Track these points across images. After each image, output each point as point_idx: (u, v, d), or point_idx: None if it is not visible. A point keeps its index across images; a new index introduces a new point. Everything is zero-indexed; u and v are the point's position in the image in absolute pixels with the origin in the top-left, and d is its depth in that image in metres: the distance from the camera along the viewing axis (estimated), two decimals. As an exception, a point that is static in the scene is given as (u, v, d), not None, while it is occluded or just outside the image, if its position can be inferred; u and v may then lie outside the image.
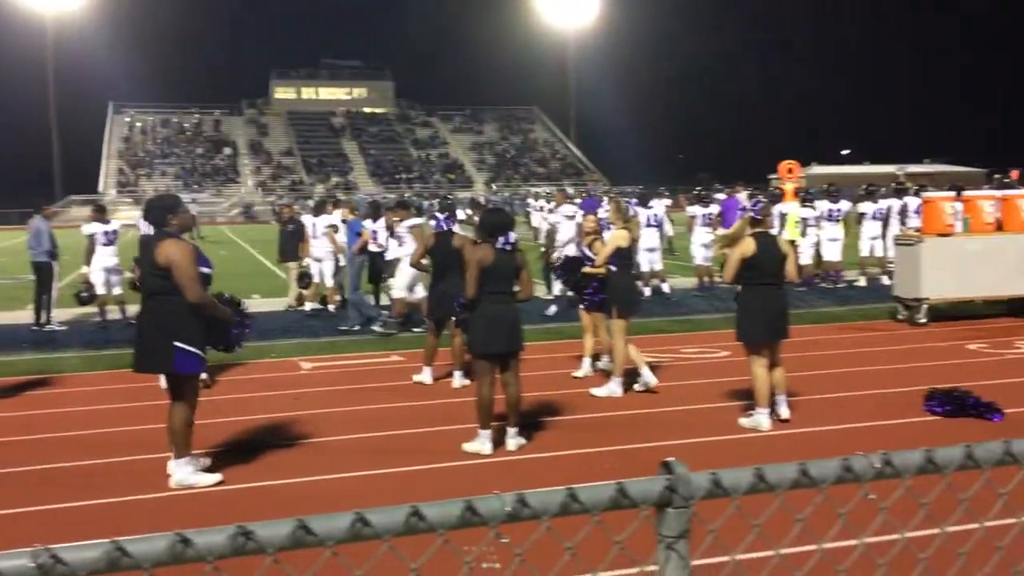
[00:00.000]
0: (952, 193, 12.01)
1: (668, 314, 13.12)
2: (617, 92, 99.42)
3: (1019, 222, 12.05)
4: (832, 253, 15.95)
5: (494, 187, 75.71)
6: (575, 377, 8.89)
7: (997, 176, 20.99)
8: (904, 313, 11.96)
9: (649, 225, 15.12)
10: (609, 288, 8.09)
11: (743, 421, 6.98)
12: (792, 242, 16.01)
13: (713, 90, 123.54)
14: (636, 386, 8.09)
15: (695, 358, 10.00)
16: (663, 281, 15.47)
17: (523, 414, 6.76)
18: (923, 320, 11.62)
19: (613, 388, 7.98)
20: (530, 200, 37.14)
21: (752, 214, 7.06)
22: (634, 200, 14.18)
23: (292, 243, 14.02)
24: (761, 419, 6.88)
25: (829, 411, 7.43)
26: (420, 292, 11.21)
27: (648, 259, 15.13)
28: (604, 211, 9.48)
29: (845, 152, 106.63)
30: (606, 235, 8.72)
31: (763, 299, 6.87)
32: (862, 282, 16.03)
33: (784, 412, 6.99)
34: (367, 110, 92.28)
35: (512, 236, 6.49)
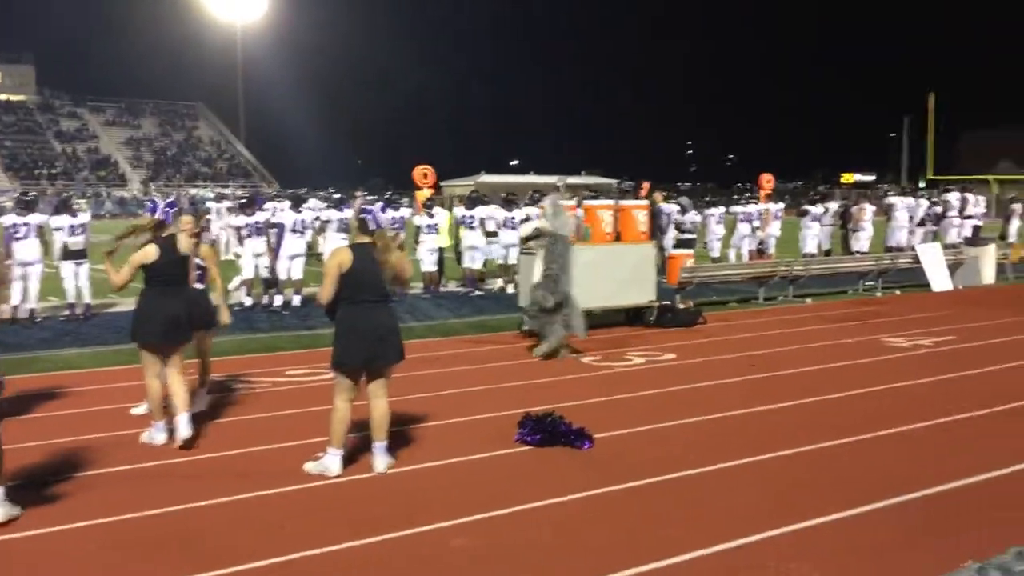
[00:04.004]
0: (572, 202, 11.88)
1: (282, 329, 11.87)
2: (291, 92, 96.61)
3: (635, 232, 12.20)
4: (473, 261, 15.73)
5: (152, 186, 69.90)
6: (133, 414, 7.33)
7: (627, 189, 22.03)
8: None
9: (295, 231, 13.85)
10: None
11: (309, 466, 5.87)
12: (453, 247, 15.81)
13: (391, 95, 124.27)
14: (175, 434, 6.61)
15: (299, 381, 8.80)
16: (297, 292, 14.15)
17: (26, 472, 5.18)
18: (547, 331, 11.33)
19: (153, 434, 6.53)
20: (211, 204, 33.03)
21: (363, 218, 5.96)
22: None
23: None
24: (331, 462, 5.81)
25: (421, 444, 6.55)
26: None
27: (287, 267, 13.86)
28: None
29: (514, 163, 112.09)
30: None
31: (363, 317, 5.81)
32: (510, 289, 15.83)
33: (380, 464, 5.94)
34: (2, 97, 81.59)
35: None
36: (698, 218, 16.54)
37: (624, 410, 7.59)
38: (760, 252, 20.12)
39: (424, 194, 16.22)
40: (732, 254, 19.87)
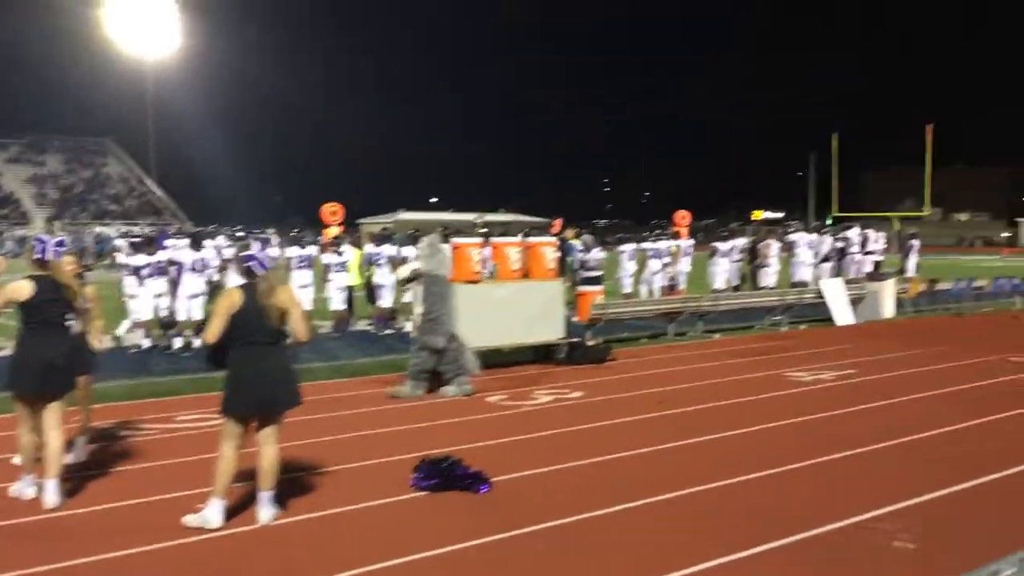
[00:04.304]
0: (479, 240, 11.79)
1: (179, 372, 11.39)
2: (205, 128, 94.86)
3: (543, 269, 12.15)
4: (383, 299, 15.47)
5: (56, 225, 67.57)
6: (16, 464, 6.86)
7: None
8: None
9: (194, 270, 13.38)
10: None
11: (188, 519, 5.54)
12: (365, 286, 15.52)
13: (310, 131, 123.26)
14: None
15: (190, 428, 8.41)
16: (197, 333, 13.64)
17: None
18: (454, 371, 11.15)
19: (22, 488, 6.11)
20: (118, 242, 30.79)
21: (247, 265, 5.71)
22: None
23: None
24: (212, 514, 5.50)
25: (312, 492, 6.27)
26: None
27: (187, 307, 13.35)
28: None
29: (433, 200, 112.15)
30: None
31: (254, 361, 5.55)
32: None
33: (265, 515, 5.62)
34: (-102, 134, 78.13)
35: None
36: (602, 255, 16.64)
37: (528, 450, 7.44)
38: (671, 288, 20.34)
39: (333, 231, 15.93)
40: (644, 290, 20.04)
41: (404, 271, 10.59)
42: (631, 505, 5.86)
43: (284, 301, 5.71)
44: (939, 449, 7.35)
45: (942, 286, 19.76)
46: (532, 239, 12.45)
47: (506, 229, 26.62)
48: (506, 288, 11.70)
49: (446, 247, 10.73)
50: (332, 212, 17.29)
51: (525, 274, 12.03)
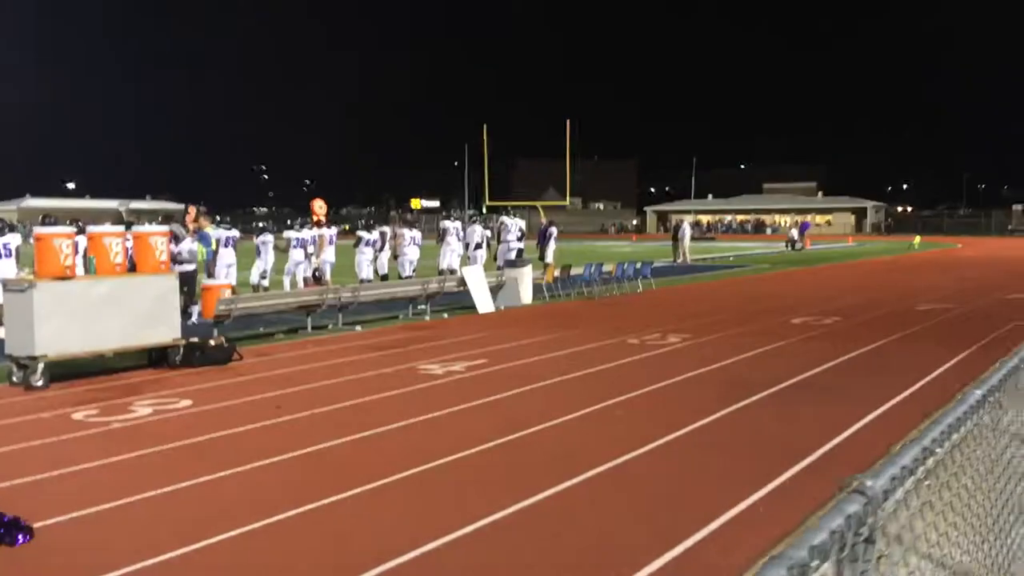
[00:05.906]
0: (71, 229, 10.21)
1: None
2: None
3: (153, 262, 10.81)
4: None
5: None
6: None
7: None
8: (18, 375, 9.75)
9: None
10: None
11: None
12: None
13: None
14: None
15: None
16: None
17: None
18: (41, 383, 9.53)
19: None
20: None
21: None
22: None
23: None
24: None
25: None
26: None
27: None
28: None
29: (70, 185, 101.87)
30: None
31: None
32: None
33: None
34: None
35: None
36: (194, 246, 15.42)
37: (98, 481, 6.28)
38: (316, 279, 19.55)
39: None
40: (287, 281, 19.08)
41: None
42: (197, 546, 4.98)
43: None
44: (545, 446, 7.24)
45: (575, 271, 20.78)
46: (139, 228, 11.04)
47: (153, 218, 24.27)
48: (107, 284, 10.23)
49: None
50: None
51: (132, 268, 10.64)
